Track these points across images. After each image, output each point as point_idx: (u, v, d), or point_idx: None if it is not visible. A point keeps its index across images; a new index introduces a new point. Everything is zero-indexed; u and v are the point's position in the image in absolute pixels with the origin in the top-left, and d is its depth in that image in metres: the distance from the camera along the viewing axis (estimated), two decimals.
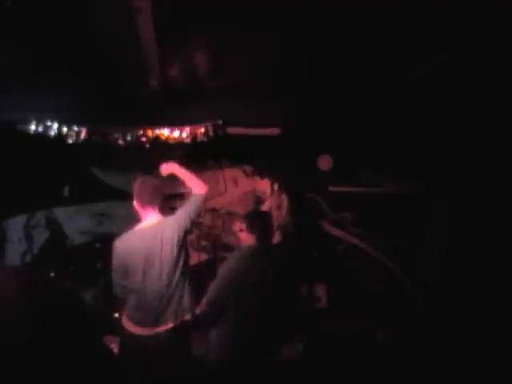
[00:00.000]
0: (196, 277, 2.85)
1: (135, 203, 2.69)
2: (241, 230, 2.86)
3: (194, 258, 4.45)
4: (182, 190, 3.19)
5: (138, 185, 2.70)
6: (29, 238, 4.50)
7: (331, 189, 4.79)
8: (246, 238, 2.84)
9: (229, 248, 4.68)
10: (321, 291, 4.56)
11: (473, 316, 3.74)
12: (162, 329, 2.60)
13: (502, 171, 3.93)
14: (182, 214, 2.71)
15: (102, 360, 1.33)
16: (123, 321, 2.69)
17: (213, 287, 2.70)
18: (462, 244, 4.20)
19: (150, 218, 2.67)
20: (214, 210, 4.74)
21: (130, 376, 2.61)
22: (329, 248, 4.78)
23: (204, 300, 2.71)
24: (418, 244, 4.60)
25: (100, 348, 1.37)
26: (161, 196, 2.72)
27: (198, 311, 2.72)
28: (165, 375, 2.64)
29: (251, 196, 4.80)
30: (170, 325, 2.62)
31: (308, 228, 4.52)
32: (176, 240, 2.63)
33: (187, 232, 2.74)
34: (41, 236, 4.54)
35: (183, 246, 2.69)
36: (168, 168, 2.91)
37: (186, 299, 2.69)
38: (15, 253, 4.45)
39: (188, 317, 2.69)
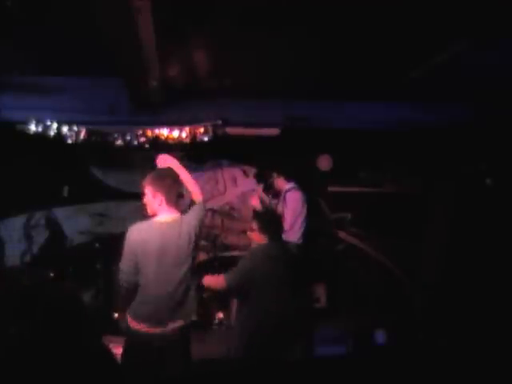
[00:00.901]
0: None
1: (160, 198, 2.61)
2: (252, 230, 2.96)
3: None
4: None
5: (169, 181, 2.65)
6: (29, 238, 4.50)
7: (331, 189, 4.79)
8: (259, 238, 2.94)
9: (228, 248, 4.69)
10: (321, 291, 4.56)
11: (472, 316, 3.75)
12: (171, 327, 2.55)
13: (501, 171, 3.94)
14: (196, 216, 2.73)
15: (101, 360, 1.33)
16: (128, 320, 2.63)
17: (232, 276, 2.82)
18: (461, 244, 4.20)
19: (169, 214, 2.64)
20: (213, 210, 4.74)
21: (132, 376, 2.59)
22: (329, 248, 4.78)
23: (224, 281, 2.82)
24: (417, 244, 4.61)
25: (100, 348, 1.37)
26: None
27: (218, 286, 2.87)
28: (165, 375, 2.62)
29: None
30: (180, 323, 2.58)
31: (308, 228, 4.51)
32: (193, 236, 2.66)
33: (200, 232, 2.79)
34: (41, 236, 4.54)
35: (197, 244, 2.73)
36: (165, 160, 2.84)
37: (194, 299, 2.71)
38: (15, 253, 4.46)
39: (194, 317, 2.72)
